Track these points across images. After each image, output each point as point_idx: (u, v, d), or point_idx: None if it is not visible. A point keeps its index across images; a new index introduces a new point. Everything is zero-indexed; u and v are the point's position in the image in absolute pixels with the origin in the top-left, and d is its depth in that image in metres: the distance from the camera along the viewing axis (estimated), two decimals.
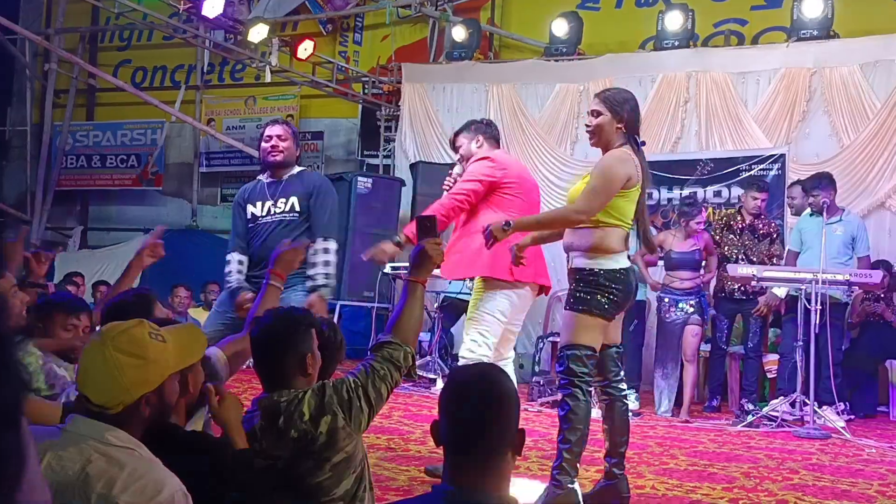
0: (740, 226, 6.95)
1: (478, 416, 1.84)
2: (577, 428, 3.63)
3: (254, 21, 9.54)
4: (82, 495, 1.69)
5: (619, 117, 3.66)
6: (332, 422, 2.37)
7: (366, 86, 10.90)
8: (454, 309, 8.31)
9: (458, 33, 9.92)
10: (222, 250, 4.59)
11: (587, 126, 3.76)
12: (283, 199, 4.42)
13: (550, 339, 8.20)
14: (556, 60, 9.48)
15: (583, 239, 3.65)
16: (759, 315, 6.77)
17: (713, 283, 7.00)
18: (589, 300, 3.62)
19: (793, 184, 7.32)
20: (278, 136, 4.45)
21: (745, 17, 9.59)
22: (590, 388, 3.69)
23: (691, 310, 6.54)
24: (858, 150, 7.89)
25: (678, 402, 6.62)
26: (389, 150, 10.62)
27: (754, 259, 6.79)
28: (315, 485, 2.35)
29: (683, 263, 6.60)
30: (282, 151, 4.44)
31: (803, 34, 8.29)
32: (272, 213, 4.41)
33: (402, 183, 9.73)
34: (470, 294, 7.81)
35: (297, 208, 4.40)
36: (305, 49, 9.84)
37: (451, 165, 9.45)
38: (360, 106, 11.13)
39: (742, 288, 6.77)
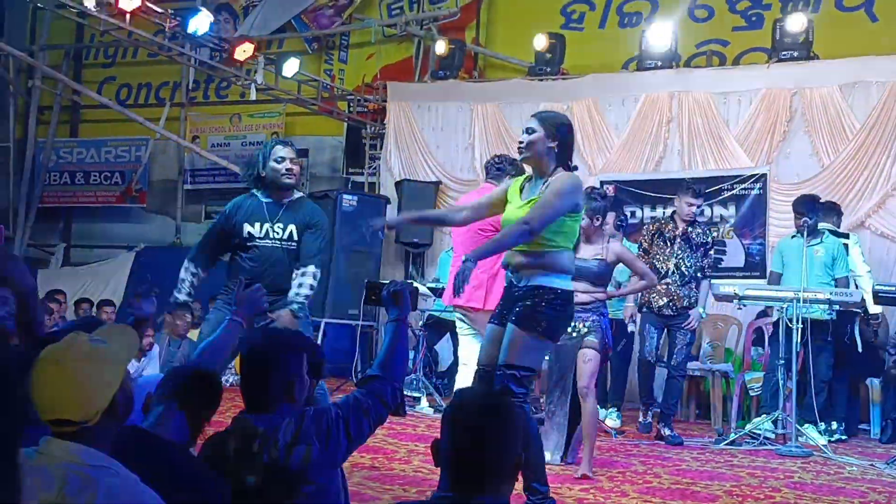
0: (673, 234, 6.38)
1: (480, 444, 1.86)
2: (528, 445, 3.65)
3: (239, 39, 9.57)
4: None
5: (553, 137, 3.75)
6: (306, 452, 2.32)
7: (351, 104, 10.94)
8: (438, 327, 8.33)
9: (440, 48, 9.97)
10: None
11: (520, 142, 3.82)
12: (281, 225, 4.47)
13: None
14: (541, 80, 9.55)
15: (541, 258, 3.67)
16: (690, 329, 6.36)
17: (631, 297, 6.35)
18: (546, 325, 3.63)
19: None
20: (292, 160, 4.50)
21: (726, 38, 9.71)
22: (527, 405, 3.67)
23: (584, 329, 5.07)
24: (838, 169, 7.99)
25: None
26: (374, 168, 10.65)
27: (686, 272, 6.30)
28: None
29: (579, 273, 4.77)
30: (295, 175, 4.51)
31: (784, 55, 8.40)
32: (271, 236, 4.45)
33: (388, 201, 9.75)
34: (454, 312, 7.88)
35: (295, 237, 4.47)
36: (291, 67, 9.87)
37: (437, 183, 9.57)
38: (345, 124, 11.16)
39: (672, 304, 6.30)
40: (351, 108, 10.94)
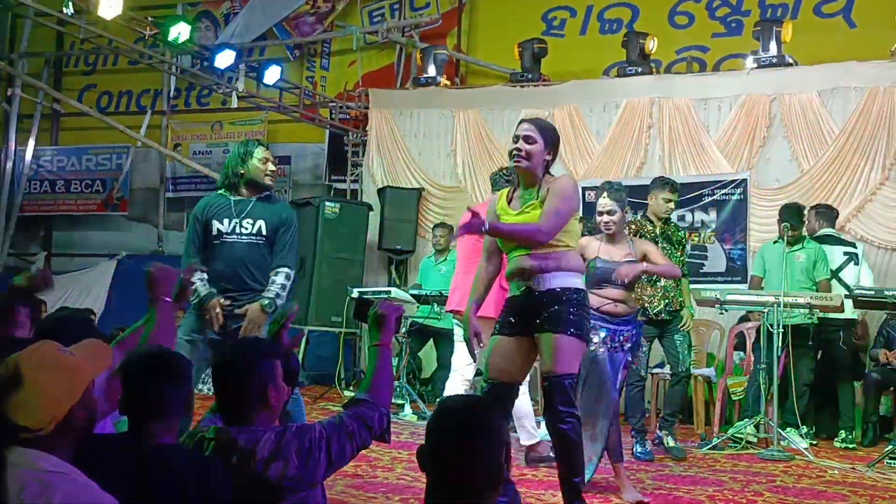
0: (654, 234, 5.91)
1: (463, 451, 1.86)
2: (581, 454, 3.67)
3: (221, 47, 9.54)
4: None
5: (550, 149, 3.73)
6: (284, 468, 2.29)
7: (333, 111, 10.92)
8: (421, 334, 8.32)
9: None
10: None
11: (518, 150, 3.69)
12: (251, 220, 4.46)
13: None
14: (522, 86, 9.58)
15: (559, 259, 3.65)
16: (687, 329, 5.98)
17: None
18: (581, 325, 3.61)
19: (810, 209, 7.26)
20: (274, 162, 4.58)
21: (706, 45, 9.78)
22: (578, 416, 3.66)
23: (628, 345, 4.64)
24: (818, 175, 8.05)
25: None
26: (357, 175, 10.64)
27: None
28: None
29: (612, 279, 4.65)
30: (275, 178, 4.62)
31: (763, 61, 8.46)
32: (238, 231, 4.45)
33: (370, 208, 9.75)
34: (437, 319, 7.88)
35: (264, 232, 4.46)
36: (272, 74, 9.84)
37: (420, 190, 9.56)
38: (327, 131, 11.14)
39: (668, 307, 5.84)
40: (333, 116, 10.92)
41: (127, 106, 12.67)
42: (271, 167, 4.54)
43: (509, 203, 3.82)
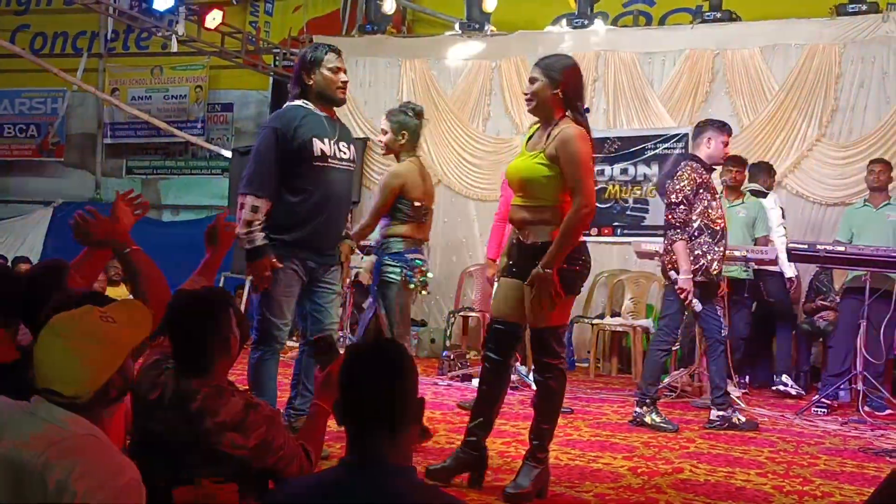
0: (711, 185, 5.32)
1: (377, 391, 1.87)
2: (560, 407, 3.74)
3: None
4: (40, 481, 1.69)
5: (555, 83, 3.63)
6: (238, 443, 2.30)
7: (277, 57, 10.72)
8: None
9: (388, 6, 9.75)
10: None
11: (525, 94, 3.75)
12: (346, 145, 3.92)
13: (461, 313, 8.32)
14: (469, 36, 9.51)
15: (542, 213, 3.59)
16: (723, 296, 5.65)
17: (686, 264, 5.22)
18: (561, 280, 3.52)
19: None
20: (345, 72, 3.96)
21: None
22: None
23: None
24: (757, 130, 8.18)
25: None
26: None
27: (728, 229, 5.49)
28: (191, 479, 2.30)
29: None
30: (346, 91, 4.00)
31: (707, 16, 8.52)
32: (338, 156, 3.86)
33: None
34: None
35: (354, 158, 4.00)
36: (214, 18, 9.61)
37: (365, 140, 9.47)
38: (270, 78, 10.95)
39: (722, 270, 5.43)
40: (277, 62, 10.73)
41: (62, 48, 12.27)
42: (343, 77, 3.89)
43: (528, 141, 3.79)
